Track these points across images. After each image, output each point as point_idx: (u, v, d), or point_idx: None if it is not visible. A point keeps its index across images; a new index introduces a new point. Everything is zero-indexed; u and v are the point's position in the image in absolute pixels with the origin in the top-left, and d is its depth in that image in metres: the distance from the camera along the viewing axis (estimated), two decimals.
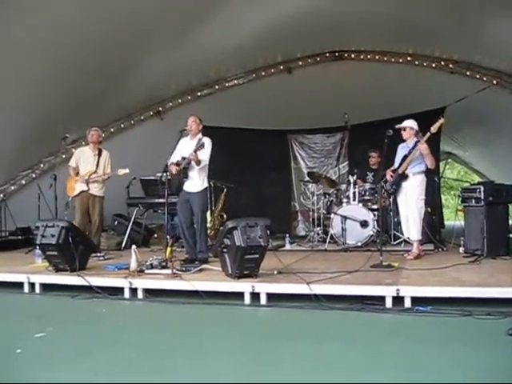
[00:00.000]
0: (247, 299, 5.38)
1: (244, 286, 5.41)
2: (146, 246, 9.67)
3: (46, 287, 6.29)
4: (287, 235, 9.60)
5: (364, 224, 8.50)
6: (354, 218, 8.50)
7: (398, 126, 7.28)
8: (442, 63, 10.89)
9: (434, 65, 10.95)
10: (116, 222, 10.36)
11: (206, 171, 7.20)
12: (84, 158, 8.37)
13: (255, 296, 5.38)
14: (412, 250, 7.28)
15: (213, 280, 5.76)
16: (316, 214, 9.87)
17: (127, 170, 8.20)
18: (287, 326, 4.66)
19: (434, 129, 7.01)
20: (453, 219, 11.89)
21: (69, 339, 4.30)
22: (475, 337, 4.09)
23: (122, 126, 11.89)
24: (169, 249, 6.35)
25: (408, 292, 4.96)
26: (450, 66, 10.80)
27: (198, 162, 6.89)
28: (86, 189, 8.23)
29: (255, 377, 3.34)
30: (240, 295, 5.42)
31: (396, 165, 7.35)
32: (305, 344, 3.99)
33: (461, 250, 7.52)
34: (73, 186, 8.32)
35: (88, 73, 9.04)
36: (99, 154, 8.40)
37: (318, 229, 9.72)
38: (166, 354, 3.85)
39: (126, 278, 5.89)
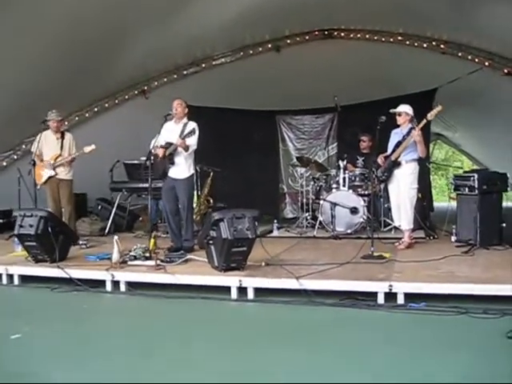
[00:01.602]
0: (234, 294, 5.21)
1: (231, 280, 5.23)
2: (130, 231, 9.45)
3: (24, 278, 6.09)
4: (275, 221, 9.39)
5: (354, 211, 8.29)
6: (343, 205, 8.30)
7: (392, 111, 7.05)
8: (434, 43, 10.63)
9: (425, 45, 10.69)
10: (99, 207, 10.11)
11: (192, 157, 6.99)
12: (47, 142, 8.09)
13: (242, 290, 5.20)
14: (403, 239, 7.11)
15: (198, 273, 5.56)
16: (305, 199, 9.66)
17: (93, 146, 7.89)
18: (275, 325, 4.47)
19: (430, 116, 6.80)
20: (441, 200, 11.81)
21: (46, 342, 4.11)
22: (471, 338, 3.94)
23: (106, 105, 11.53)
24: (152, 240, 6.13)
25: (401, 288, 4.80)
26: (442, 46, 10.55)
27: (187, 148, 6.66)
28: (53, 174, 7.99)
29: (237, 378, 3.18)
30: (227, 289, 5.24)
31: (389, 151, 7.13)
32: (293, 348, 3.81)
33: (453, 238, 7.35)
34: (39, 172, 8.01)
35: (71, 52, 8.70)
36: (62, 137, 8.14)
37: (307, 214, 9.52)
38: (147, 357, 3.67)
39: (108, 271, 5.69)
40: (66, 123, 10.19)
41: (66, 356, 3.74)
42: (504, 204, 7.30)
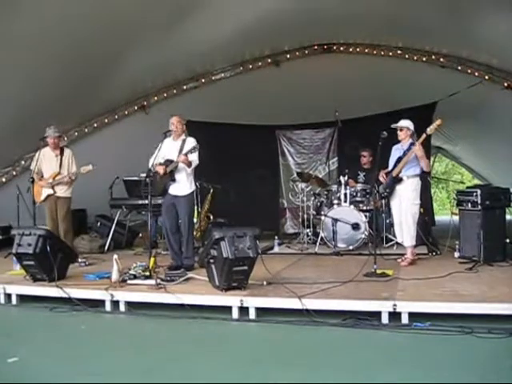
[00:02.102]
0: (235, 313, 5.12)
1: (232, 300, 5.15)
2: (130, 248, 9.37)
3: (23, 298, 6.01)
4: (276, 237, 9.32)
5: (355, 227, 8.23)
6: (345, 221, 8.24)
7: (394, 126, 7.01)
8: (433, 57, 10.64)
9: (424, 59, 10.70)
10: (99, 224, 10.01)
11: (193, 173, 6.93)
12: (46, 159, 8.02)
13: (244, 310, 5.12)
14: (406, 256, 7.04)
15: (199, 292, 5.48)
16: (305, 215, 9.59)
17: (90, 167, 7.81)
18: (277, 346, 4.39)
19: (430, 130, 6.77)
20: (441, 214, 11.73)
21: (44, 365, 4.02)
22: (477, 359, 3.87)
23: (106, 120, 11.51)
24: (152, 259, 6.05)
25: (405, 307, 4.72)
26: (441, 60, 10.56)
27: (189, 164, 6.62)
28: (51, 192, 7.90)
29: None
30: (228, 309, 5.16)
31: (390, 167, 7.08)
32: (295, 370, 3.75)
33: (456, 254, 7.28)
34: (39, 190, 7.97)
35: (71, 67, 8.69)
36: (61, 154, 8.04)
37: (308, 230, 9.45)
38: (147, 377, 3.65)
39: (108, 290, 5.60)
40: (66, 138, 10.15)
41: (63, 378, 3.66)
42: (509, 217, 7.23)
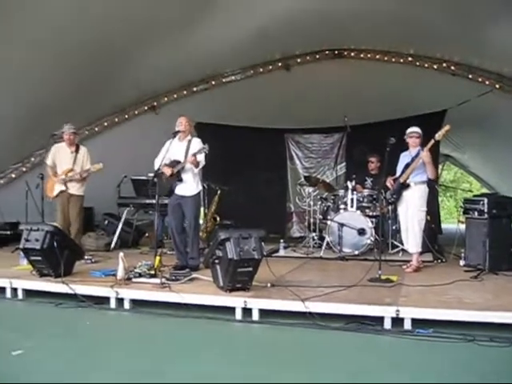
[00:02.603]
0: (239, 314, 5.15)
1: (236, 301, 5.18)
2: (136, 247, 9.41)
3: (29, 293, 6.06)
4: (281, 240, 9.33)
5: (361, 232, 8.24)
6: (351, 226, 8.25)
7: (411, 130, 7.00)
8: (444, 65, 10.62)
9: (435, 66, 10.68)
10: (106, 222, 10.08)
11: (200, 174, 6.97)
12: (61, 155, 8.05)
13: (247, 311, 5.15)
14: (411, 262, 7.03)
15: (203, 292, 5.51)
16: (312, 219, 9.60)
17: (101, 165, 7.85)
18: (279, 348, 4.41)
19: (438, 136, 6.77)
20: (448, 222, 11.72)
21: (48, 359, 4.07)
22: (480, 368, 3.85)
23: (116, 120, 11.61)
24: (158, 258, 6.09)
25: (408, 313, 4.73)
26: (452, 68, 10.54)
27: (197, 165, 6.65)
28: (64, 188, 7.91)
29: None
30: (231, 310, 5.19)
31: (398, 173, 7.09)
32: (296, 372, 3.76)
33: (461, 262, 7.27)
34: (52, 186, 7.99)
35: (82, 67, 8.77)
36: (76, 151, 8.07)
37: (314, 234, 9.46)
38: (149, 375, 3.66)
39: (113, 288, 5.64)
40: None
41: (67, 372, 3.71)
42: None
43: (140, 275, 6.03)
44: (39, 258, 6.15)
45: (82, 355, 4.15)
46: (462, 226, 7.59)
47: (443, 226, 12.38)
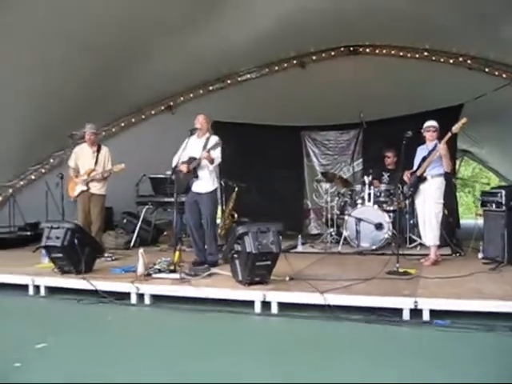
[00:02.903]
0: (258, 308, 5.20)
1: (255, 295, 5.23)
2: (155, 245, 9.49)
3: (51, 290, 6.16)
4: (299, 236, 9.37)
5: (379, 227, 8.24)
6: (368, 221, 8.26)
7: (426, 124, 7.03)
8: (460, 59, 10.57)
9: (451, 61, 10.62)
10: (125, 220, 10.18)
11: (216, 171, 7.03)
12: (83, 155, 8.13)
13: (266, 304, 5.19)
14: (429, 256, 7.03)
15: (222, 286, 5.57)
16: (329, 215, 9.62)
17: (123, 166, 7.92)
18: (298, 340, 4.44)
19: (455, 129, 6.75)
20: (467, 217, 11.67)
21: (71, 352, 4.14)
22: (500, 356, 3.88)
23: (133, 120, 11.70)
24: (177, 253, 6.15)
25: (427, 304, 4.74)
26: (468, 62, 10.48)
27: (212, 161, 6.70)
28: (85, 188, 7.99)
29: None
30: (250, 303, 5.23)
31: (415, 167, 7.10)
32: (317, 363, 3.80)
33: (479, 255, 7.24)
34: (73, 186, 8.09)
35: (98, 67, 8.87)
36: (98, 151, 8.15)
37: (331, 230, 9.47)
38: (171, 370, 3.69)
39: (133, 283, 5.72)
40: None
41: (90, 365, 3.78)
42: None
43: (160, 271, 6.11)
44: (60, 255, 6.24)
45: (104, 348, 4.23)
46: (481, 220, 7.56)
47: (462, 221, 12.33)
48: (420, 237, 7.73)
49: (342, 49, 11.31)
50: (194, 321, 5.11)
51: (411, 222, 8.56)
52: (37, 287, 6.19)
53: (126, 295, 5.73)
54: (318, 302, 5.00)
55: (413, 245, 8.57)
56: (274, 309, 5.14)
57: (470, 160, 20.35)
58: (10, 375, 3.58)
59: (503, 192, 6.86)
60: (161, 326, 5.03)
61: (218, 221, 8.82)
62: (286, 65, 11.56)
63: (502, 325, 4.41)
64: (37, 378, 3.53)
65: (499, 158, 17.03)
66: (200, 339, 4.50)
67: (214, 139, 6.77)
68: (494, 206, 6.97)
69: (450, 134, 6.77)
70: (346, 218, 8.55)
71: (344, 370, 3.65)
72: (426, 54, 10.73)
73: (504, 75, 10.22)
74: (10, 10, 7.14)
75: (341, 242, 8.61)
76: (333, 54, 11.37)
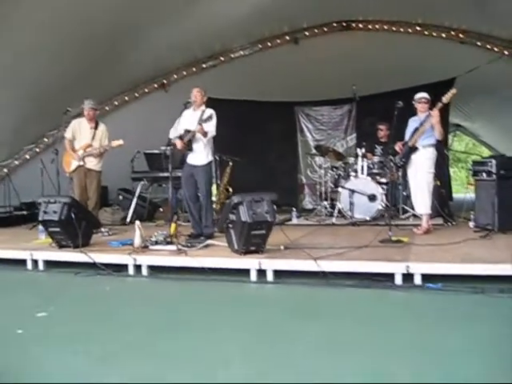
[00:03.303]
0: (253, 276, 5.30)
1: (250, 263, 5.33)
2: (151, 221, 9.56)
3: (49, 264, 6.24)
4: (294, 209, 9.47)
5: (372, 198, 8.34)
6: (361, 192, 8.35)
7: (418, 96, 7.10)
8: (452, 33, 10.59)
9: (443, 35, 10.65)
10: (121, 197, 10.25)
11: (211, 144, 7.07)
12: (81, 130, 8.14)
13: (262, 273, 5.29)
14: (421, 225, 7.14)
15: (218, 256, 5.67)
16: (323, 188, 9.71)
17: (121, 142, 7.95)
18: (295, 304, 4.57)
19: (445, 99, 6.82)
20: (460, 192, 11.79)
21: (71, 319, 4.26)
22: (489, 316, 3.99)
23: (126, 98, 11.71)
24: (173, 224, 6.24)
25: (418, 269, 4.86)
26: (460, 35, 10.50)
27: (205, 134, 6.75)
28: (81, 164, 8.03)
29: (260, 358, 3.26)
30: (246, 272, 5.34)
31: (406, 138, 7.18)
32: (314, 324, 3.91)
33: (471, 224, 7.35)
34: (69, 160, 8.11)
35: (91, 45, 8.84)
36: (96, 127, 8.18)
37: (326, 203, 9.56)
38: (170, 334, 3.79)
39: (130, 255, 5.81)
40: None
41: (89, 331, 3.87)
42: None
43: (156, 243, 6.18)
44: (58, 230, 6.31)
45: (103, 316, 4.33)
46: (472, 192, 7.65)
47: (455, 195, 12.44)
48: (413, 208, 7.82)
49: (335, 24, 11.34)
50: (191, 289, 5.21)
51: (404, 193, 8.65)
52: (35, 262, 6.26)
53: (124, 267, 5.81)
54: (313, 269, 5.11)
55: (406, 215, 8.67)
56: (270, 276, 5.25)
57: (462, 135, 20.40)
58: (13, 341, 3.66)
59: (494, 161, 6.94)
60: (159, 294, 5.13)
61: (214, 198, 8.88)
62: (279, 41, 11.58)
63: (490, 287, 4.52)
64: (37, 344, 3.62)
65: (491, 132, 17.11)
66: (198, 306, 4.60)
67: (209, 112, 6.81)
68: (484, 175, 7.06)
69: (440, 104, 6.85)
70: (340, 190, 8.63)
71: (339, 332, 3.75)
72: (418, 28, 10.76)
73: (496, 49, 10.26)
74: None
75: (335, 214, 8.71)
76: (326, 29, 11.40)
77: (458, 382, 2.78)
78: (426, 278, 4.82)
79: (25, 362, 3.24)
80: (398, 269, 4.90)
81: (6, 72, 8.51)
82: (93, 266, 5.86)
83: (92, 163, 8.08)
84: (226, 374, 3.02)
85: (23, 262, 6.30)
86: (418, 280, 4.83)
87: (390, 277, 4.92)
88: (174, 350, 3.43)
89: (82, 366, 3.16)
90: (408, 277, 4.87)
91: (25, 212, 10.06)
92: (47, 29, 8.13)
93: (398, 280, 4.88)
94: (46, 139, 10.80)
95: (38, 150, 10.80)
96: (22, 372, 3.10)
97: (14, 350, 3.46)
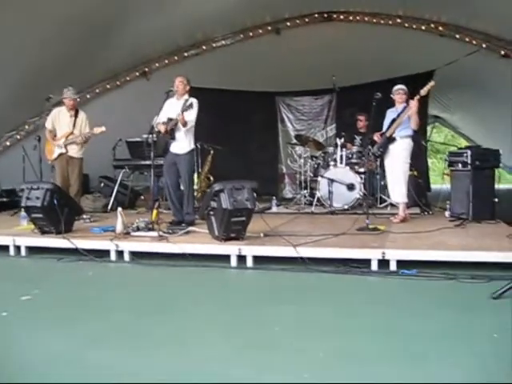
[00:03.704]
0: (234, 262, 5.41)
1: (230, 249, 5.43)
2: (133, 208, 9.61)
3: (31, 250, 6.27)
4: (274, 198, 9.60)
5: (351, 187, 8.50)
6: (340, 181, 8.50)
7: (398, 87, 7.23)
8: (432, 26, 10.74)
9: (423, 27, 10.79)
10: (102, 184, 10.29)
11: (192, 132, 7.13)
12: (60, 119, 8.17)
13: (242, 259, 5.41)
14: (398, 213, 7.31)
15: (199, 242, 5.77)
16: (303, 177, 9.85)
17: (103, 128, 7.97)
18: (273, 288, 4.69)
19: (423, 91, 6.99)
20: (439, 183, 12.02)
21: (55, 302, 4.33)
22: (459, 300, 4.14)
23: (108, 86, 11.71)
24: (155, 211, 6.32)
25: (393, 255, 5.00)
26: (440, 28, 10.65)
27: (185, 124, 6.81)
28: (64, 151, 8.07)
29: (240, 339, 3.37)
30: (227, 258, 5.45)
31: (384, 128, 7.33)
32: (290, 307, 4.03)
33: (446, 214, 7.56)
34: (51, 149, 8.14)
35: (72, 33, 8.84)
36: (76, 115, 8.21)
37: (305, 191, 9.70)
38: (152, 317, 3.87)
39: (112, 241, 5.88)
40: None
41: (73, 313, 3.96)
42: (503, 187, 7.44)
43: (138, 229, 6.26)
44: (40, 216, 6.35)
45: (86, 300, 4.40)
46: (448, 184, 7.84)
47: (433, 186, 12.64)
48: (390, 197, 7.99)
49: (317, 15, 11.43)
50: (173, 275, 5.29)
51: (382, 183, 8.81)
52: (17, 247, 6.29)
53: (106, 253, 5.87)
54: (291, 255, 5.23)
55: (383, 205, 8.85)
56: (250, 262, 5.36)
57: (441, 126, 20.67)
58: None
59: (469, 152, 7.14)
60: (141, 280, 5.21)
61: (195, 186, 8.96)
62: (260, 31, 11.64)
63: (462, 273, 4.67)
64: (22, 325, 3.70)
65: (470, 124, 17.37)
66: (179, 291, 4.70)
67: (190, 101, 6.88)
68: (460, 165, 7.25)
69: (418, 96, 7.00)
70: (319, 179, 8.77)
71: (314, 315, 3.86)
72: (398, 20, 10.89)
73: (474, 42, 10.42)
74: None
75: (314, 203, 8.85)
76: (307, 20, 11.49)
77: (420, 360, 2.93)
78: (401, 264, 4.97)
79: (10, 344, 3.32)
80: (374, 255, 5.04)
81: None
82: (75, 251, 5.90)
83: (74, 150, 8.11)
84: (206, 352, 3.12)
85: (5, 247, 6.32)
86: (393, 266, 4.98)
87: (366, 263, 5.07)
88: (156, 332, 3.53)
89: (68, 348, 3.24)
90: (384, 263, 5.01)
91: (5, 199, 10.04)
92: (29, 15, 8.10)
93: (374, 266, 5.03)
94: (26, 126, 10.78)
95: (18, 136, 10.78)
96: (8, 353, 3.17)
97: None
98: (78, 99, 8.85)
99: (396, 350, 3.12)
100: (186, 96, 7.05)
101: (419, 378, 2.71)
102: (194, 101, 6.88)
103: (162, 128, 6.89)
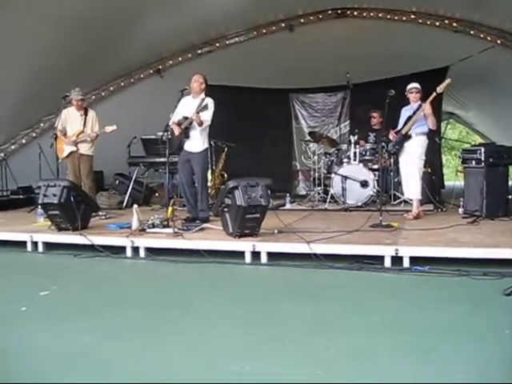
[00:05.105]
0: (248, 258, 5.46)
1: (245, 245, 5.49)
2: (147, 205, 9.69)
3: (48, 246, 6.37)
4: (288, 194, 9.65)
5: (364, 184, 8.51)
6: (354, 178, 8.52)
7: (412, 86, 7.26)
8: (446, 22, 10.72)
9: (437, 23, 10.79)
10: (117, 182, 10.39)
11: (207, 131, 7.18)
12: (70, 118, 8.28)
13: (256, 255, 5.45)
14: (412, 210, 7.32)
15: (214, 239, 5.83)
16: (317, 174, 9.88)
17: (115, 127, 8.09)
18: (287, 285, 4.73)
19: (439, 89, 7.00)
20: (453, 180, 12.00)
21: (73, 298, 4.40)
22: (471, 297, 4.15)
23: (122, 84, 11.85)
24: (170, 208, 6.38)
25: (407, 252, 5.02)
26: (454, 24, 10.64)
27: (201, 123, 6.86)
28: (75, 149, 8.18)
29: (254, 335, 3.41)
30: (241, 254, 5.49)
31: (399, 126, 7.34)
32: (304, 303, 4.06)
33: (460, 210, 7.55)
34: (62, 147, 8.26)
35: (87, 31, 8.94)
36: (85, 114, 8.31)
37: (319, 188, 9.74)
38: (168, 313, 3.93)
39: (128, 237, 5.95)
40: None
41: (91, 308, 4.03)
42: None
43: (153, 226, 6.34)
44: (57, 213, 6.44)
45: (102, 295, 4.49)
46: (462, 181, 7.84)
47: (448, 183, 12.60)
48: (404, 194, 8.00)
49: (330, 12, 11.44)
50: (187, 271, 5.34)
51: (396, 179, 8.83)
52: (35, 244, 6.38)
53: (122, 249, 5.95)
54: (305, 252, 5.27)
55: (397, 201, 8.88)
56: (264, 259, 5.41)
57: (456, 123, 20.56)
58: (17, 318, 3.82)
59: (482, 149, 7.13)
60: (156, 275, 5.27)
61: (209, 183, 9.02)
62: (274, 28, 11.68)
63: (475, 270, 4.68)
64: (42, 320, 3.77)
65: (484, 121, 17.28)
66: (194, 287, 4.76)
67: (206, 101, 6.92)
68: (473, 162, 7.25)
69: (434, 94, 7.01)
70: (333, 176, 8.80)
71: (328, 311, 3.90)
72: (412, 16, 10.88)
73: (489, 38, 10.41)
74: None
75: (327, 200, 8.88)
76: (320, 16, 11.50)
77: (433, 356, 2.95)
78: (414, 260, 4.99)
79: (29, 338, 3.39)
80: (387, 252, 5.07)
81: (1, 57, 8.58)
82: (91, 248, 5.99)
83: (84, 148, 8.24)
84: (220, 347, 3.17)
85: (23, 244, 6.41)
86: (406, 263, 5.00)
87: (379, 259, 5.09)
88: (171, 327, 3.58)
89: (85, 342, 3.31)
90: (397, 260, 5.04)
91: (22, 196, 10.18)
92: (45, 14, 8.22)
93: (388, 263, 5.05)
94: (42, 124, 10.91)
95: (34, 134, 10.95)
96: (28, 347, 3.25)
97: (18, 327, 3.61)
98: (88, 98, 8.93)
99: (408, 346, 3.14)
100: (203, 95, 7.08)
101: (432, 374, 2.74)
102: (209, 101, 6.91)
103: (176, 130, 6.95)
